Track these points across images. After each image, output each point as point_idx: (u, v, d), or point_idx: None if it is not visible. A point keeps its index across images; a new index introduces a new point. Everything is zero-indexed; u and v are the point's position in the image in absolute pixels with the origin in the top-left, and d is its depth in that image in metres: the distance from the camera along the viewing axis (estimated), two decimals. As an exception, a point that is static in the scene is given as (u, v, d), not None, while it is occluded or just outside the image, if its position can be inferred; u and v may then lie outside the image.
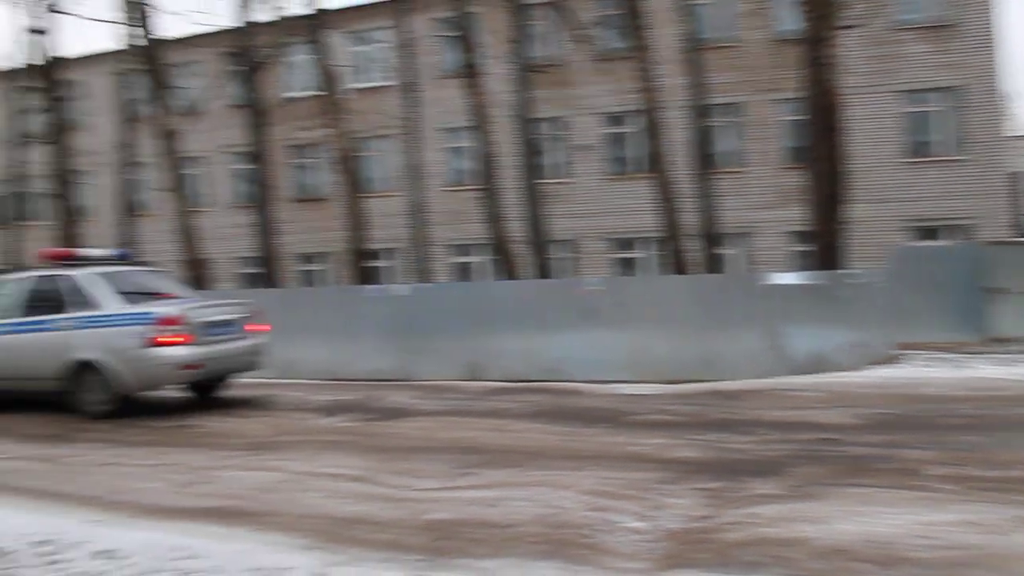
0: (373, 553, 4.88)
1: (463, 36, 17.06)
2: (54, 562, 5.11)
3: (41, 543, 5.34)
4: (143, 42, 18.22)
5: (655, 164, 15.68)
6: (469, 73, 17.16)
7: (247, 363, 10.87)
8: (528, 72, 17.72)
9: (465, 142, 25.89)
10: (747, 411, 8.90)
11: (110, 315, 9.89)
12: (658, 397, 10.16)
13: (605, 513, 5.34)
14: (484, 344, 12.82)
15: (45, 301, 10.40)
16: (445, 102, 25.84)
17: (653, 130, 15.59)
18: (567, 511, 5.42)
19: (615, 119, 23.92)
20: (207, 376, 10.48)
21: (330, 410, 9.92)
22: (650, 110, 15.51)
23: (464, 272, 25.99)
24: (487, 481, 6.23)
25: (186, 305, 10.14)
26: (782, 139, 22.07)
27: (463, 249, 26.04)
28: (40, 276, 10.79)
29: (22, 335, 10.38)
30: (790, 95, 18.66)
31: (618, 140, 24.48)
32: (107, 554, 5.08)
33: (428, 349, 13.18)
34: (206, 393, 11.32)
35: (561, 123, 24.64)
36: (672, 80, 20.80)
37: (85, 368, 9.90)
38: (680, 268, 14.96)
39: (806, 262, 15.26)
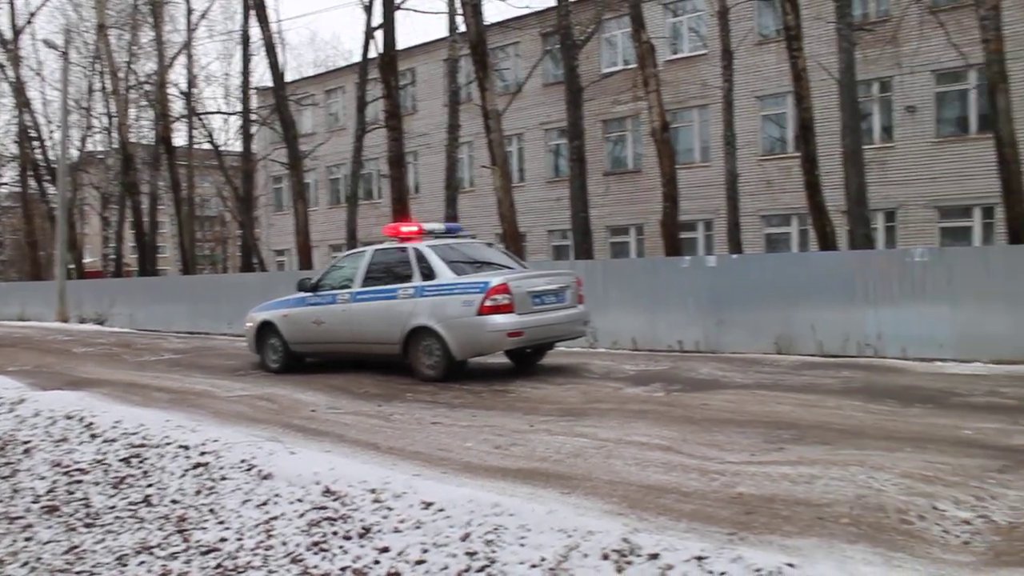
0: (678, 523, 4.91)
1: (783, -3, 16.41)
2: (382, 508, 5.64)
3: (372, 491, 5.87)
4: (470, 28, 19.20)
5: (995, 122, 14.24)
6: (789, 36, 16.49)
7: (572, 331, 11.11)
8: (852, 31, 16.71)
9: (782, 109, 25.08)
10: (1105, 399, 7.96)
11: (443, 284, 10.45)
12: (991, 378, 9.33)
13: (926, 499, 4.99)
14: (795, 317, 12.45)
15: (386, 272, 11.24)
16: (761, 68, 25.18)
17: (995, 84, 14.12)
18: (884, 494, 5.13)
19: (949, 76, 22.09)
20: (531, 343, 10.77)
21: (639, 380, 10.02)
22: (992, 63, 14.06)
23: (779, 243, 25.28)
24: (798, 457, 6.04)
25: (512, 275, 10.52)
26: None
27: (777, 219, 25.30)
28: (380, 249, 11.67)
29: (367, 303, 11.21)
30: None
31: (951, 99, 22.59)
32: (428, 505, 5.50)
33: (735, 321, 13.01)
34: (527, 361, 11.69)
35: (886, 84, 23.13)
36: (1019, 28, 18.80)
37: (421, 334, 10.56)
38: (1021, 237, 13.49)
39: None
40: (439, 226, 12.17)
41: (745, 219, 23.42)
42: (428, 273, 10.65)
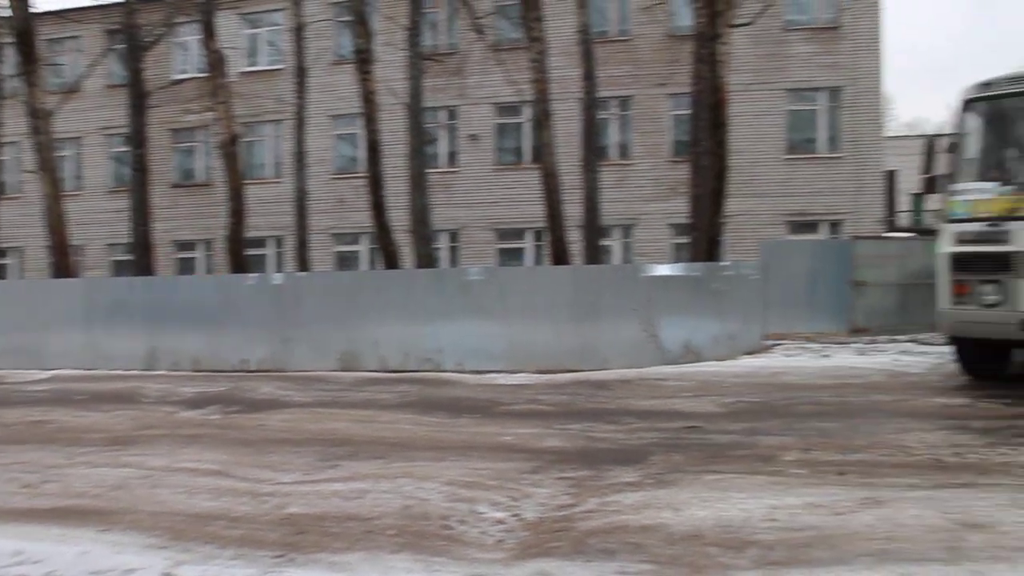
0: (225, 550, 4.75)
1: (357, 21, 16.76)
2: None
3: None
4: (15, 12, 17.29)
5: (541, 155, 15.74)
6: (361, 59, 16.86)
7: None
8: (421, 60, 17.52)
9: (353, 129, 25.57)
10: (617, 400, 9.04)
11: None
12: (532, 387, 10.21)
13: (467, 504, 5.31)
14: (359, 334, 12.67)
15: None
16: (336, 88, 25.45)
17: (541, 121, 15.62)
18: (429, 502, 5.36)
19: (507, 109, 24.00)
20: None
21: (196, 402, 9.69)
22: (539, 101, 15.52)
23: (347, 261, 25.73)
24: (351, 473, 6.13)
25: None
26: (670, 133, 22.55)
27: (347, 238, 25.76)
28: None
29: None
30: (680, 90, 19.05)
31: (509, 130, 24.57)
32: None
33: (302, 339, 12.96)
34: None
35: (452, 112, 24.58)
36: (565, 72, 20.94)
37: None
38: (562, 258, 15.03)
39: (686, 254, 15.54)
40: None
41: (316, 237, 23.52)
42: None
